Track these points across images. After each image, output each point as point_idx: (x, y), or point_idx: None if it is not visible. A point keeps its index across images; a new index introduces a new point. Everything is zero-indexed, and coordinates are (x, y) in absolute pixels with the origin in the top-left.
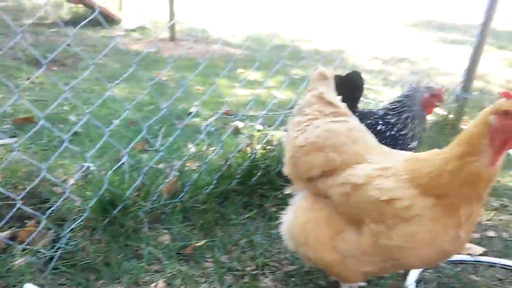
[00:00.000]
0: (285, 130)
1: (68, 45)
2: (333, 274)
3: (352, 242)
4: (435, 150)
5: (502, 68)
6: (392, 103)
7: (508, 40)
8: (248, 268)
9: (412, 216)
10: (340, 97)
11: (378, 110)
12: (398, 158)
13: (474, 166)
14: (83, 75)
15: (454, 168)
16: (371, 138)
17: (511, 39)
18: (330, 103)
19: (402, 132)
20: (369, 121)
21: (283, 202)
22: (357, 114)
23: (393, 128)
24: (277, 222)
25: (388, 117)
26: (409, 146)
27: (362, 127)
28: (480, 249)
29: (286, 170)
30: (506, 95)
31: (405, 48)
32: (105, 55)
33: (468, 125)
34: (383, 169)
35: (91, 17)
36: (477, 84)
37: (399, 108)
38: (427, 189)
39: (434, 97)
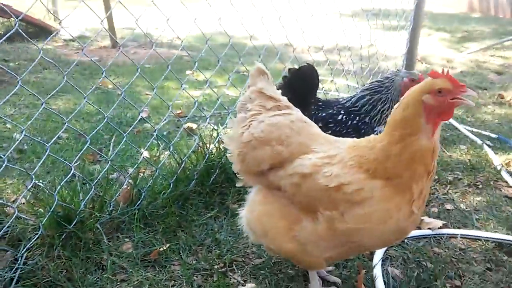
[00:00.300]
0: (227, 127)
1: (6, 60)
2: (297, 263)
3: (309, 230)
4: (373, 136)
5: (442, 48)
6: (371, 83)
7: (445, 21)
8: (216, 266)
9: (363, 199)
10: (280, 91)
11: (346, 100)
12: (342, 145)
13: (417, 144)
14: (12, 92)
15: (398, 151)
16: (314, 128)
17: (447, 20)
18: (271, 98)
19: (366, 120)
20: (330, 111)
21: (244, 197)
22: (320, 103)
23: (356, 117)
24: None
25: (349, 104)
26: (375, 131)
27: (304, 118)
28: (439, 222)
29: (236, 167)
30: (433, 74)
31: (347, 38)
32: (46, 68)
33: (396, 109)
34: (329, 157)
35: (13, 30)
36: (420, 66)
37: (376, 88)
38: (375, 173)
39: (414, 82)
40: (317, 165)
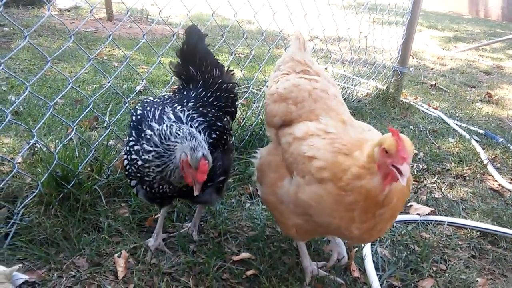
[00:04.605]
0: None
1: (1, 24)
2: (275, 220)
3: (285, 189)
4: (372, 147)
5: (433, 45)
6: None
7: (436, 19)
8: (211, 235)
9: (323, 179)
10: None
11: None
12: (356, 134)
13: (367, 182)
14: (9, 54)
15: (356, 173)
16: (334, 103)
17: (438, 19)
18: (299, 62)
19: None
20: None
21: (239, 173)
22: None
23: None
24: (234, 192)
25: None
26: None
27: (331, 90)
28: (427, 209)
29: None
30: (391, 130)
31: (343, 29)
32: (41, 35)
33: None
34: (325, 131)
35: None
36: (412, 61)
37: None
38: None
39: (188, 166)
40: (309, 133)
